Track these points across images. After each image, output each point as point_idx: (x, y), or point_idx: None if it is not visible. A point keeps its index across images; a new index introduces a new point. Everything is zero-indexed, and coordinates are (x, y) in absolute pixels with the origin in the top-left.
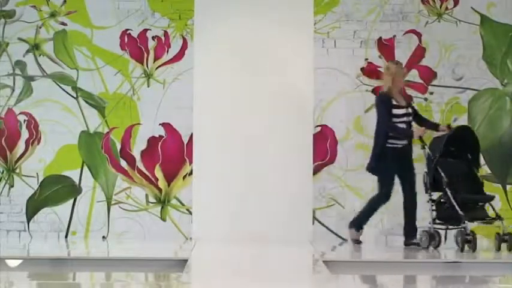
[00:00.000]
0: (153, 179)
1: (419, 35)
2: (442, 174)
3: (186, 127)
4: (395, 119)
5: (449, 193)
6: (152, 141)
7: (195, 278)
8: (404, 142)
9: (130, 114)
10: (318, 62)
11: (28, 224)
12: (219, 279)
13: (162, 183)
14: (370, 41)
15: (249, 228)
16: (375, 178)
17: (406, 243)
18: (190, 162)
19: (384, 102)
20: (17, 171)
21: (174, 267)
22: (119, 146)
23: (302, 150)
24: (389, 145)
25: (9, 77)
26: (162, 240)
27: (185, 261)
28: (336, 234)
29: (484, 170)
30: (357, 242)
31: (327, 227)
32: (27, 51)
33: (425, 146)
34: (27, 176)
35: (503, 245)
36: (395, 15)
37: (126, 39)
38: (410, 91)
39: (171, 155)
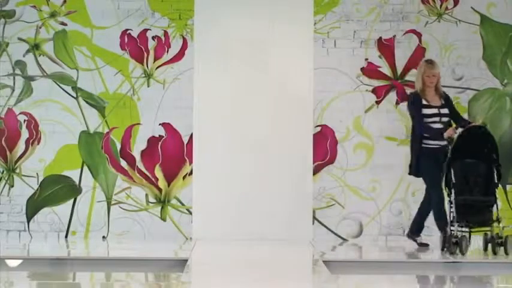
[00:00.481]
0: (153, 179)
1: (419, 35)
2: (452, 174)
3: (186, 127)
4: (426, 119)
5: (452, 194)
6: (152, 141)
7: (195, 278)
8: (442, 142)
9: (130, 114)
10: (318, 62)
11: (28, 224)
12: (219, 279)
13: (162, 183)
14: (370, 41)
15: (249, 228)
16: (375, 178)
17: (408, 236)
18: (190, 162)
19: (413, 103)
20: (17, 171)
21: (174, 267)
22: (119, 146)
23: (302, 150)
24: (425, 145)
25: (9, 77)
26: (162, 240)
27: (185, 261)
28: (336, 234)
29: None
30: (424, 245)
31: (327, 227)
32: (27, 51)
33: (449, 147)
34: (27, 176)
35: (490, 247)
36: (395, 15)
37: (126, 39)
38: (410, 91)
39: (171, 155)
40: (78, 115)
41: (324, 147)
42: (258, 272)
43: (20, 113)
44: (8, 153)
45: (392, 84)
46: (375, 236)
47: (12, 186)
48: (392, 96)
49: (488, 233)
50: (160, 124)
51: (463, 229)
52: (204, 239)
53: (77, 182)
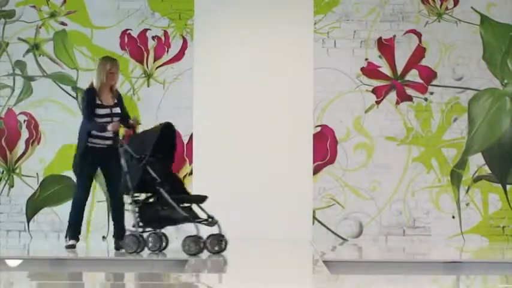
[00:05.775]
0: None
1: (419, 35)
2: (154, 174)
3: (186, 127)
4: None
5: (164, 194)
6: None
7: (195, 278)
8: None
9: (130, 114)
10: (318, 62)
11: (28, 224)
12: (219, 279)
13: None
14: (370, 41)
15: (249, 228)
16: (375, 178)
17: (117, 247)
18: (190, 162)
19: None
20: (17, 171)
21: (174, 267)
22: None
23: (302, 150)
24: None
25: (9, 77)
26: None
27: (185, 261)
28: (336, 234)
29: (484, 170)
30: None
31: (327, 227)
32: (27, 51)
33: (123, 145)
34: (27, 176)
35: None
36: (395, 15)
37: (126, 39)
38: (410, 91)
39: None
40: (78, 115)
41: (324, 147)
42: (258, 272)
43: (20, 113)
44: (8, 153)
45: (393, 84)
46: (375, 236)
47: (12, 186)
48: (392, 96)
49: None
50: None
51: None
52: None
53: None
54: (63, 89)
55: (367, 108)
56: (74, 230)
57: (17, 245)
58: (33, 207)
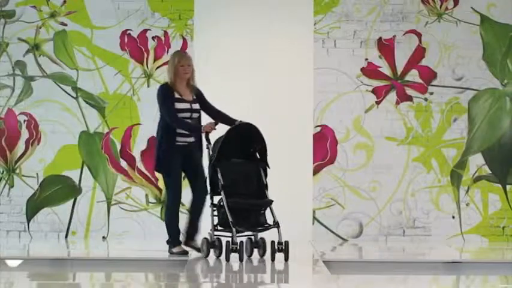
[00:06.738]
0: (153, 179)
1: (419, 35)
2: (219, 176)
3: None
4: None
5: (224, 197)
6: (152, 141)
7: (195, 278)
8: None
9: (130, 114)
10: (318, 62)
11: (28, 224)
12: (219, 279)
13: (162, 183)
14: (370, 41)
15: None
16: (375, 178)
17: (186, 244)
18: None
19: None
20: (17, 171)
21: (174, 267)
22: (119, 146)
23: (302, 150)
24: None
25: (9, 77)
26: (162, 240)
27: (185, 261)
28: (336, 234)
29: (484, 170)
30: (184, 253)
31: (327, 227)
32: (27, 51)
33: (209, 146)
34: (27, 176)
35: (280, 254)
36: (395, 15)
37: (126, 40)
38: (410, 91)
39: None
40: (78, 115)
41: (324, 147)
42: (259, 272)
43: (20, 113)
44: (8, 153)
45: (393, 84)
46: (375, 236)
47: (12, 186)
48: (392, 96)
49: (253, 237)
50: None
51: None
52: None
53: (77, 182)
54: (63, 89)
55: (367, 109)
56: (176, 235)
57: (17, 245)
58: (33, 207)
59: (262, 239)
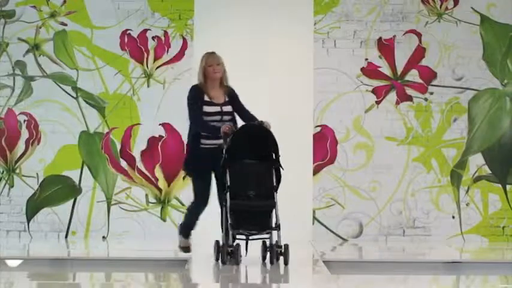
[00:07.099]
0: (153, 179)
1: (419, 35)
2: (227, 177)
3: (186, 128)
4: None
5: (228, 198)
6: (152, 141)
7: (195, 278)
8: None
9: (130, 114)
10: (318, 62)
11: (28, 224)
12: (219, 279)
13: (162, 183)
14: (370, 41)
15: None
16: (375, 178)
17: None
18: None
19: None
20: (17, 171)
21: (174, 267)
22: (119, 146)
23: (302, 150)
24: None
25: (9, 77)
26: (162, 240)
27: (185, 261)
28: (336, 234)
29: (484, 170)
30: (186, 249)
31: (327, 227)
32: (27, 51)
33: (224, 146)
34: (27, 176)
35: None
36: (395, 15)
37: (126, 39)
38: (410, 91)
39: (171, 155)
40: (78, 115)
41: (324, 147)
42: (258, 272)
43: (20, 113)
44: (8, 153)
45: (393, 84)
46: (375, 236)
47: (12, 186)
48: (392, 96)
49: (267, 241)
50: (160, 124)
51: (240, 236)
52: (204, 239)
53: (77, 182)
54: (63, 89)
55: (367, 108)
56: (187, 230)
57: (17, 245)
58: (33, 207)
59: (286, 245)
